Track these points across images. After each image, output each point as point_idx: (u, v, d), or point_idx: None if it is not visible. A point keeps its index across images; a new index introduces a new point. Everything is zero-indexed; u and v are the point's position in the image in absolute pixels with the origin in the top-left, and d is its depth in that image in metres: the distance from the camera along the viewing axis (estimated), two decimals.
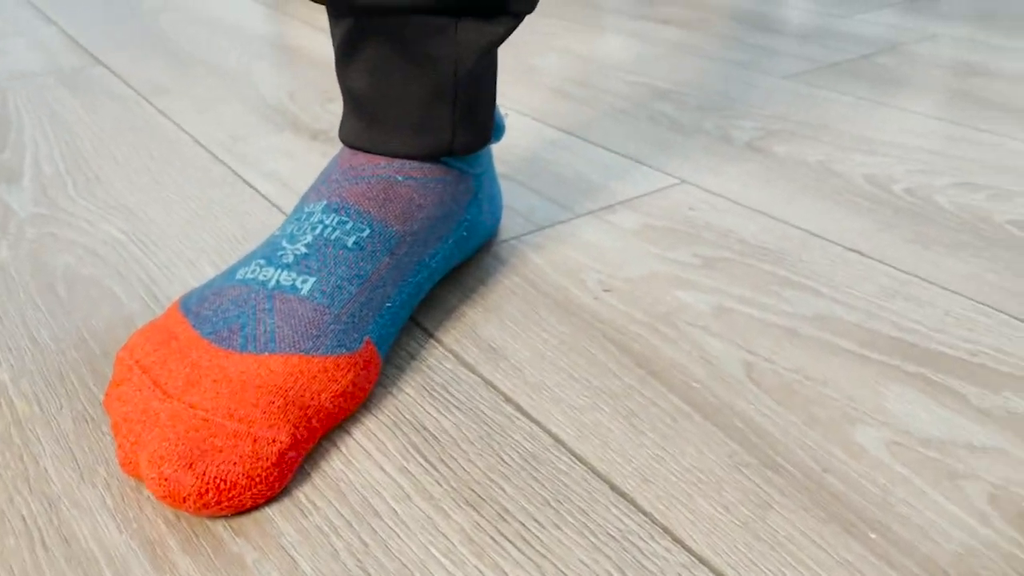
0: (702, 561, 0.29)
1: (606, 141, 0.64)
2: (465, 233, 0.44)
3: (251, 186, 0.57)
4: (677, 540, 0.30)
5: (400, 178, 0.40)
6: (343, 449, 0.34)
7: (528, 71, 0.81)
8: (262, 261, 0.38)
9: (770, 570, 0.29)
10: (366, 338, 0.36)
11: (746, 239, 0.49)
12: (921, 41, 0.86)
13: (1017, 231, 0.49)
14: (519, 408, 0.36)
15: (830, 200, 0.54)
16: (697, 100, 0.71)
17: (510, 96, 0.74)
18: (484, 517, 0.31)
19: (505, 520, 0.31)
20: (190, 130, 0.67)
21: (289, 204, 0.55)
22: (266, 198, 0.56)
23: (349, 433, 0.35)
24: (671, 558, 0.29)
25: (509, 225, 0.52)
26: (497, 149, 0.63)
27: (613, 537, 0.30)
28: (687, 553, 0.29)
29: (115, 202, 0.56)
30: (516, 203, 0.54)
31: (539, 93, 0.74)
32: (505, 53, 0.86)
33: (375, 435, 0.35)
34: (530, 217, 0.53)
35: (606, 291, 0.45)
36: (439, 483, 0.33)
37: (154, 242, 0.50)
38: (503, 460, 0.34)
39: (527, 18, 0.99)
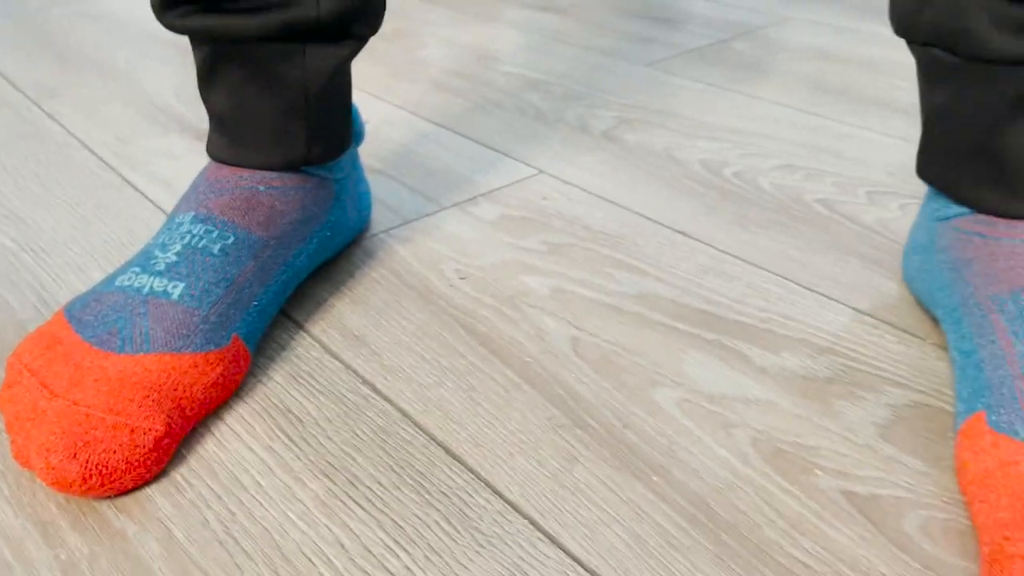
0: (515, 508, 0.35)
1: (475, 133, 0.69)
2: (328, 233, 0.48)
3: (138, 190, 0.61)
4: (496, 492, 0.36)
5: (262, 188, 0.45)
6: (216, 433, 0.39)
7: (413, 64, 0.85)
8: (137, 269, 0.42)
9: (568, 511, 0.35)
10: (234, 335, 0.41)
11: (590, 225, 0.55)
12: (776, 25, 0.93)
13: (822, 208, 0.57)
14: (375, 389, 0.42)
15: (669, 186, 0.60)
16: (563, 90, 0.77)
17: (392, 90, 0.78)
18: (336, 484, 0.36)
19: (354, 486, 0.36)
20: (78, 134, 0.70)
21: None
22: (153, 202, 0.59)
23: (222, 419, 0.40)
24: (489, 507, 0.35)
25: (379, 219, 0.57)
26: (372, 144, 0.67)
27: (444, 493, 0.36)
28: (503, 502, 0.35)
29: (4, 210, 0.58)
30: (387, 197, 0.59)
31: (419, 86, 0.79)
32: (392, 47, 0.90)
33: (245, 419, 0.40)
34: (399, 211, 0.58)
35: (462, 279, 0.50)
36: (299, 458, 0.38)
37: (44, 249, 0.54)
38: (357, 435, 0.39)
39: (418, 9, 1.03)
